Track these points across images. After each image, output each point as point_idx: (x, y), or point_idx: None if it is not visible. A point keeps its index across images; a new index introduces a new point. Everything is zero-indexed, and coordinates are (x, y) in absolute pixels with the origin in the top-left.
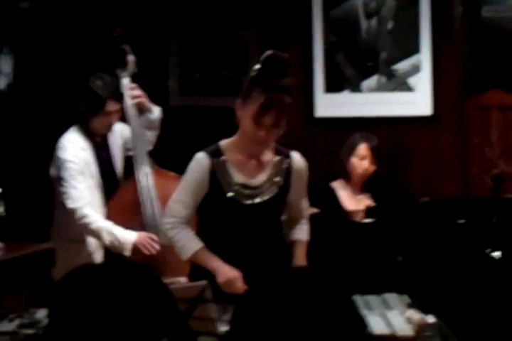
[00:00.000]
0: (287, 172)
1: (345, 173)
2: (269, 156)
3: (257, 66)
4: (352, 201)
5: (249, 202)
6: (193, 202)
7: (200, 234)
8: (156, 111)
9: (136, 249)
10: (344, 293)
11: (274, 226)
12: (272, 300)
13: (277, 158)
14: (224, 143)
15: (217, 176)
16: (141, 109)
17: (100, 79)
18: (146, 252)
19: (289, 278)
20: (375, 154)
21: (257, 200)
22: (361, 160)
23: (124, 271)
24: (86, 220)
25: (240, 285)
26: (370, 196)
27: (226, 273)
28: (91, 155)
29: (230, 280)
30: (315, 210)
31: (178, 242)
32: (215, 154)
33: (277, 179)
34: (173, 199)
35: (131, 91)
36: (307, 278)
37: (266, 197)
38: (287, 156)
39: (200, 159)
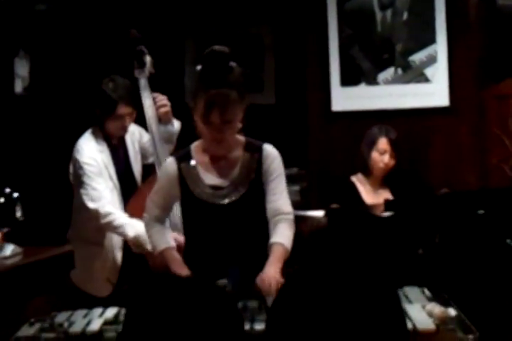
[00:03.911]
0: (258, 166)
1: (365, 168)
2: (238, 153)
3: (199, 66)
4: (372, 195)
5: (221, 202)
6: (164, 202)
7: (186, 236)
8: (176, 125)
9: None
10: (390, 286)
11: (254, 223)
12: (312, 295)
13: (246, 154)
14: (194, 145)
15: (186, 180)
16: (164, 119)
17: (112, 81)
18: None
19: (330, 273)
20: (395, 148)
21: (230, 199)
22: (382, 154)
23: (203, 289)
24: (110, 217)
25: None
26: (390, 190)
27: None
28: (108, 157)
29: None
30: (335, 205)
31: (149, 238)
32: (184, 158)
33: (248, 175)
34: (149, 197)
35: (157, 101)
36: (349, 272)
37: (238, 195)
38: (258, 150)
39: (168, 165)
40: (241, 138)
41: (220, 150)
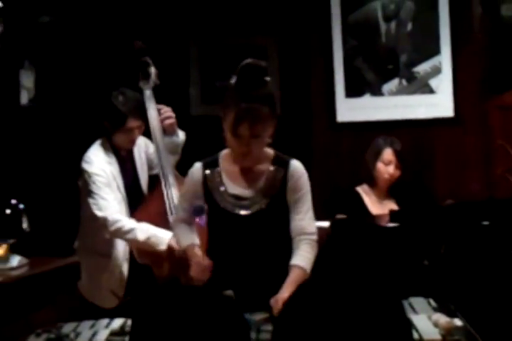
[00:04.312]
0: (283, 181)
1: (370, 178)
2: (265, 166)
3: (234, 77)
4: (377, 206)
5: (243, 212)
6: (189, 206)
7: (210, 243)
8: (181, 135)
9: (170, 246)
10: (396, 297)
11: (272, 237)
12: (317, 306)
13: (273, 168)
14: (223, 153)
15: (209, 187)
16: (169, 131)
17: (122, 94)
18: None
19: (335, 284)
20: (400, 159)
21: (250, 211)
22: (387, 165)
23: (209, 299)
24: (118, 224)
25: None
26: (395, 201)
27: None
28: (117, 169)
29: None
30: (340, 216)
31: (175, 237)
32: (211, 164)
33: (272, 189)
34: (178, 199)
35: (162, 113)
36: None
37: (259, 208)
38: (285, 165)
39: (194, 170)
40: (270, 151)
41: (247, 162)
